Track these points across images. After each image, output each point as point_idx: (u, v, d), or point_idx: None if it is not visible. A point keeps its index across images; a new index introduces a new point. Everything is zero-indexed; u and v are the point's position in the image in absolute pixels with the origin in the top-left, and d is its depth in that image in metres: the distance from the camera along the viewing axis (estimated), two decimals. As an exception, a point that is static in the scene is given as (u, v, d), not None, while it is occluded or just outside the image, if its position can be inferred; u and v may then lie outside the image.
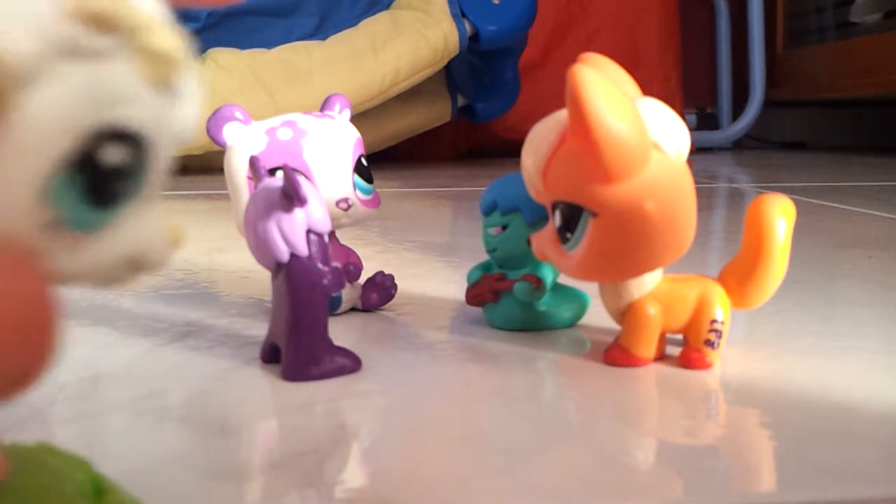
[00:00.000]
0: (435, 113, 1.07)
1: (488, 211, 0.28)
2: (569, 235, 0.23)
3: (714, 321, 0.24)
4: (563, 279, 0.29)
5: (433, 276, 0.39)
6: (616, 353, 0.25)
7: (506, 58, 1.08)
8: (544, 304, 0.28)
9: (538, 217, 0.27)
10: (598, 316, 0.29)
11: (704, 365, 0.25)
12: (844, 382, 0.23)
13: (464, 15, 0.98)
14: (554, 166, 0.22)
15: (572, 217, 0.22)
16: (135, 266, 0.11)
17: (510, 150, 1.22)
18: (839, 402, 0.22)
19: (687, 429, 0.20)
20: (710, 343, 0.25)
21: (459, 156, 1.21)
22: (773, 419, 0.21)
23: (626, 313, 0.25)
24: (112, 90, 0.09)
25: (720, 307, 0.25)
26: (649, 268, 0.23)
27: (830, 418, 0.21)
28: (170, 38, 0.10)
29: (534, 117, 0.24)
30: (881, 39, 1.19)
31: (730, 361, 0.25)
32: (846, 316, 0.32)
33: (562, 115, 0.22)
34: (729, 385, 0.23)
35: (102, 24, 0.09)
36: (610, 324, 0.26)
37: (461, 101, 1.10)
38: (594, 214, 0.22)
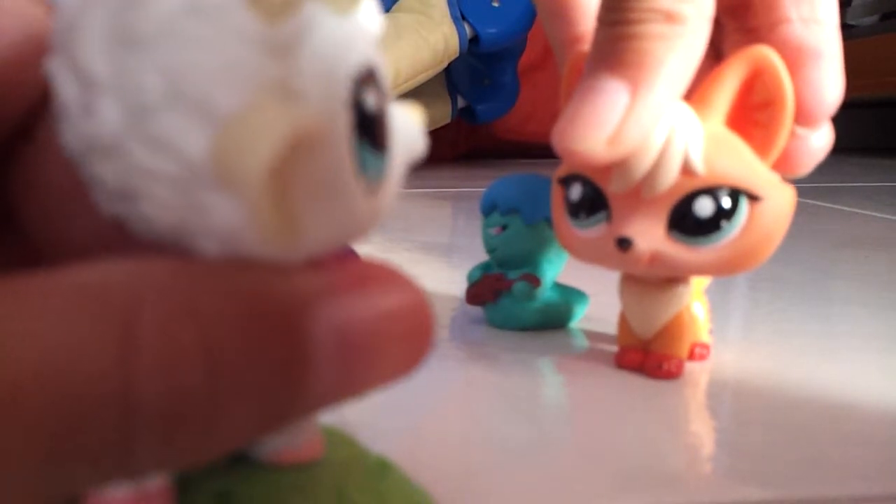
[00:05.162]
0: (435, 114, 1.07)
1: (488, 211, 0.29)
2: (724, 223, 0.21)
3: (709, 310, 0.25)
4: (563, 279, 0.29)
5: (433, 276, 0.39)
6: (675, 365, 0.24)
7: (505, 60, 1.09)
8: (544, 303, 0.29)
9: (538, 217, 0.28)
10: (597, 316, 0.30)
11: (707, 355, 0.25)
12: (841, 381, 0.24)
13: (464, 17, 0.98)
14: (716, 152, 0.21)
15: (733, 204, 0.21)
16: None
17: (510, 152, 1.23)
18: (836, 401, 0.22)
19: (685, 428, 0.21)
20: (710, 332, 0.25)
21: (459, 156, 1.21)
22: (770, 418, 0.21)
23: (671, 325, 0.24)
24: (349, 30, 0.10)
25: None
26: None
27: (827, 417, 0.21)
28: None
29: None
30: (878, 41, 1.19)
31: (727, 361, 0.26)
32: (843, 315, 0.32)
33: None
34: (726, 384, 0.24)
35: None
36: (609, 325, 0.27)
37: (461, 102, 1.10)
38: (756, 199, 0.21)
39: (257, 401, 0.09)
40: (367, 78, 0.10)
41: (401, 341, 0.10)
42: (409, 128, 0.11)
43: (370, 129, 0.10)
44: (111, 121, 0.09)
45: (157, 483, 0.10)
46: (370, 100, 0.10)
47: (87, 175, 0.09)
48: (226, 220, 0.09)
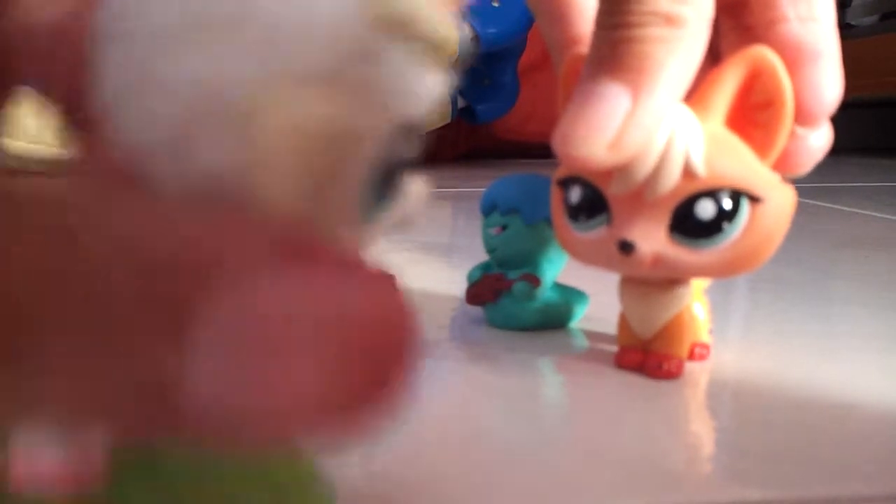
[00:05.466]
0: (435, 114, 1.07)
1: (488, 211, 0.29)
2: (725, 225, 0.21)
3: (709, 310, 0.25)
4: (563, 279, 0.29)
5: (433, 276, 0.39)
6: (675, 365, 0.24)
7: (505, 60, 1.09)
8: (544, 303, 0.29)
9: (538, 217, 0.28)
10: (597, 316, 0.30)
11: (707, 355, 0.25)
12: (841, 381, 0.24)
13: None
14: (717, 154, 0.21)
15: (734, 205, 0.21)
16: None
17: (510, 152, 1.23)
18: (836, 401, 0.22)
19: (685, 428, 0.21)
20: (710, 332, 0.25)
21: (459, 156, 1.21)
22: (770, 418, 0.21)
23: (671, 325, 0.24)
24: (421, 83, 0.10)
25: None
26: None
27: (827, 417, 0.21)
28: (447, 23, 0.10)
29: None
30: (878, 41, 1.19)
31: (727, 361, 0.26)
32: (843, 315, 0.32)
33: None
34: (726, 384, 0.24)
35: (399, 28, 0.09)
36: (609, 325, 0.27)
37: (461, 102, 1.10)
38: (756, 200, 0.21)
39: (93, 353, 0.07)
40: (408, 132, 0.10)
41: (353, 354, 0.07)
42: (412, 198, 0.12)
43: (385, 174, 0.10)
44: (168, 12, 0.09)
45: (88, 449, 0.10)
46: (400, 148, 0.10)
47: (100, 59, 0.09)
48: (212, 154, 0.09)
